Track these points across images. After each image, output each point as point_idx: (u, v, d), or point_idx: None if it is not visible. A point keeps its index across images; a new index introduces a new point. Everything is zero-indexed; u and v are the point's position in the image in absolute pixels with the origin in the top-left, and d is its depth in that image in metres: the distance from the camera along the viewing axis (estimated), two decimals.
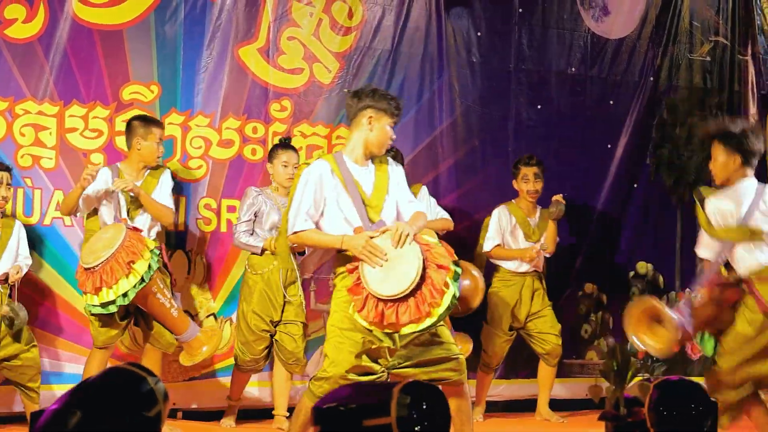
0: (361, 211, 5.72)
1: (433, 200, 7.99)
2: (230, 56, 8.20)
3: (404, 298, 5.38)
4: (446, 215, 7.95)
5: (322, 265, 8.40)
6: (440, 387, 5.81)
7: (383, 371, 5.64)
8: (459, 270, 5.55)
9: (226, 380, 8.04)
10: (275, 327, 7.71)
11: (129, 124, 7.49)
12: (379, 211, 5.75)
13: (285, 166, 7.73)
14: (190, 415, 8.03)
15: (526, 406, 8.78)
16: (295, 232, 5.74)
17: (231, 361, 7.92)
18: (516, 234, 8.50)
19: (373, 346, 5.58)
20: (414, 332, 5.47)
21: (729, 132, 6.53)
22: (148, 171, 7.47)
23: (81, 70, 7.87)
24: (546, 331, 8.47)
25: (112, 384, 3.38)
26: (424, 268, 5.39)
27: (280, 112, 8.35)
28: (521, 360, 8.91)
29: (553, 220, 8.42)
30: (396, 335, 5.58)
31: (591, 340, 9.23)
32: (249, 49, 8.27)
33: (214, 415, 8.03)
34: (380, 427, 3.72)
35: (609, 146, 9.49)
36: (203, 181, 8.15)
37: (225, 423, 7.84)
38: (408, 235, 5.49)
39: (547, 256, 8.49)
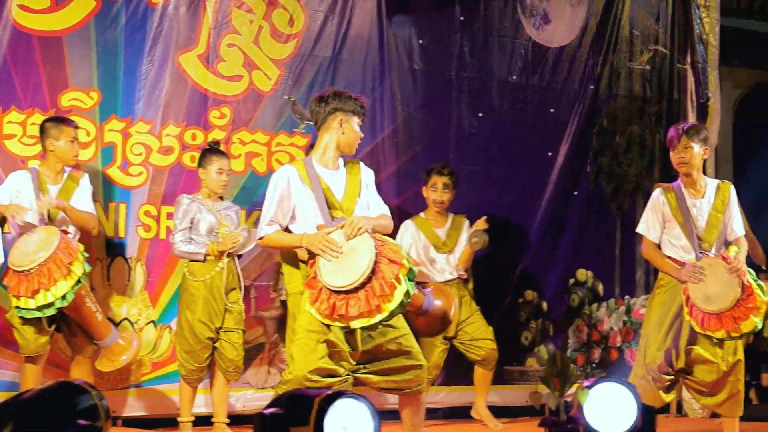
0: (325, 213, 5.76)
1: None
2: (171, 63, 8.18)
3: (355, 291, 5.40)
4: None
5: (262, 272, 8.40)
6: (399, 395, 5.90)
7: (347, 374, 5.66)
8: (415, 269, 5.57)
9: (166, 387, 8.02)
10: (217, 334, 7.69)
11: (41, 126, 7.41)
12: (350, 214, 5.79)
13: (220, 172, 7.70)
14: (130, 423, 7.99)
15: (467, 413, 8.80)
16: (261, 237, 5.84)
17: (172, 368, 7.89)
18: (427, 247, 8.45)
19: (335, 349, 5.59)
20: (364, 327, 5.48)
21: (700, 126, 7.10)
22: (68, 173, 7.41)
23: (20, 76, 7.82)
24: (479, 337, 8.42)
25: (55, 397, 3.38)
26: (376, 262, 5.42)
27: (220, 119, 8.33)
28: (462, 368, 8.94)
29: (475, 251, 8.36)
30: (357, 340, 5.62)
31: (531, 347, 9.28)
32: (189, 56, 8.26)
33: (154, 423, 8.00)
34: None
35: (550, 154, 9.54)
36: (143, 188, 8.11)
37: None
38: (361, 228, 5.54)
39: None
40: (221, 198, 7.81)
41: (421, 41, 9.09)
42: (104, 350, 7.34)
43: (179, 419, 7.76)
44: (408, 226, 8.46)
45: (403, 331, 5.81)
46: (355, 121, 5.89)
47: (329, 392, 4.33)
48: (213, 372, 7.77)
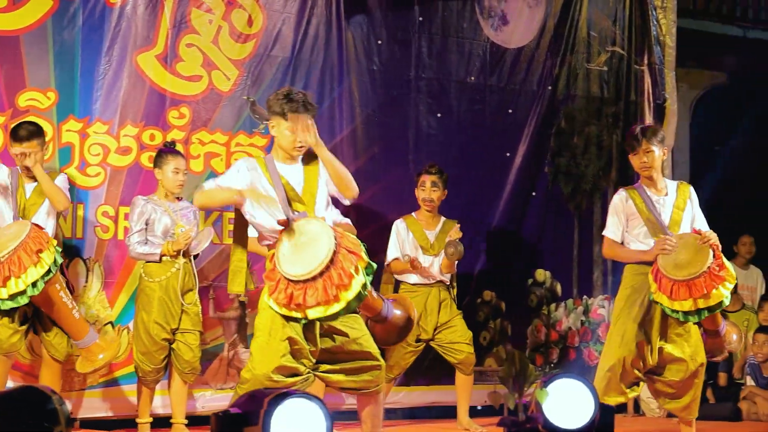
0: (286, 207, 5.77)
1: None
2: (129, 63, 8.15)
3: (313, 280, 5.41)
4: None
5: (221, 273, 8.38)
6: (358, 395, 5.92)
7: (308, 372, 5.68)
8: (373, 264, 5.60)
9: (124, 388, 8.00)
10: (173, 335, 7.67)
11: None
12: (311, 207, 5.83)
13: (176, 172, 7.67)
14: (88, 424, 7.96)
15: (425, 413, 8.83)
16: (201, 190, 5.92)
17: (130, 369, 7.86)
18: (416, 248, 8.42)
19: (296, 347, 5.61)
20: (322, 318, 5.49)
21: (657, 128, 7.17)
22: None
23: None
24: (456, 341, 8.36)
25: (16, 402, 3.38)
26: (335, 252, 5.43)
27: (179, 119, 8.31)
28: (421, 368, 8.96)
29: (452, 262, 8.31)
30: (316, 337, 5.65)
31: (489, 347, 9.30)
32: (147, 56, 8.23)
33: (113, 424, 7.98)
34: None
35: (508, 155, 9.58)
36: (101, 189, 8.08)
37: None
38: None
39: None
40: (179, 198, 7.78)
41: (379, 42, 9.10)
42: (83, 351, 7.32)
43: (138, 420, 7.73)
44: (398, 225, 8.46)
45: (362, 332, 5.85)
46: (284, 125, 5.87)
47: (278, 392, 4.35)
48: (170, 373, 7.75)
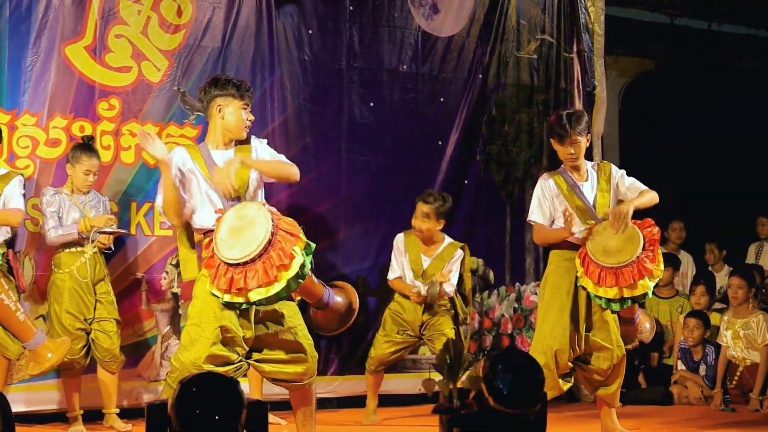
0: (222, 197, 5.77)
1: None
2: (57, 54, 8.07)
3: (252, 262, 5.43)
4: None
5: (153, 265, 8.34)
6: (290, 387, 5.92)
7: (240, 360, 5.67)
8: (312, 245, 5.61)
9: (55, 382, 7.93)
10: (90, 325, 7.65)
11: None
12: (243, 193, 5.82)
13: (87, 174, 7.69)
14: (16, 419, 7.86)
15: (360, 402, 8.85)
16: (160, 207, 5.85)
17: None
18: (409, 270, 8.42)
19: (228, 335, 5.60)
20: (263, 298, 5.48)
21: (581, 115, 7.01)
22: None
23: None
24: (442, 329, 8.30)
25: None
26: (273, 234, 5.45)
27: (108, 110, 8.24)
28: (355, 357, 8.99)
29: (429, 302, 8.27)
30: (251, 323, 5.65)
31: None
32: (76, 47, 8.15)
33: (43, 418, 7.95)
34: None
35: (440, 143, 9.59)
36: (30, 181, 8.00)
37: (73, 430, 7.68)
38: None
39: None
40: (87, 192, 7.81)
41: (310, 31, 9.07)
42: (31, 353, 7.26)
43: (68, 414, 7.74)
44: (397, 241, 8.47)
45: (298, 322, 5.85)
46: (236, 105, 5.91)
47: (192, 375, 4.36)
48: (98, 365, 7.77)
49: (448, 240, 8.46)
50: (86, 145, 7.77)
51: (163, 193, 5.81)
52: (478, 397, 4.64)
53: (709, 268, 11.05)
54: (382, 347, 8.39)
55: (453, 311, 8.38)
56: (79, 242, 7.63)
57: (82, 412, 7.74)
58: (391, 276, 8.47)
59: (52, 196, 7.65)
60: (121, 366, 7.80)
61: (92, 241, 7.62)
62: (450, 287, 8.25)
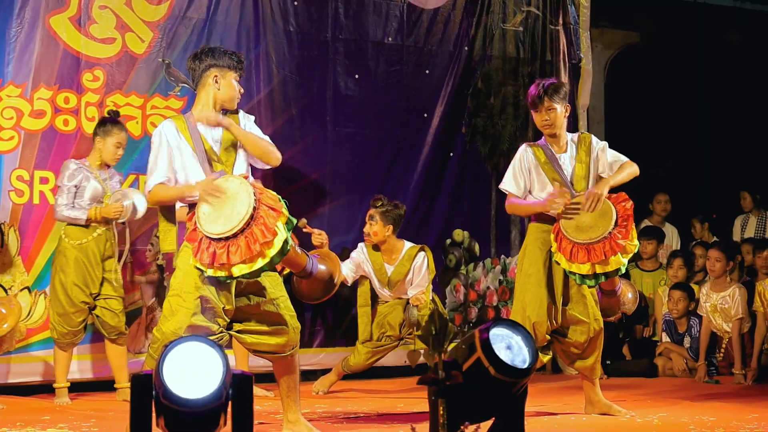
0: (206, 167, 5.77)
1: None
2: (41, 25, 8.04)
3: (234, 237, 5.42)
4: None
5: (139, 236, 8.33)
6: (273, 359, 5.93)
7: (221, 331, 5.66)
8: (293, 220, 5.61)
9: (40, 353, 7.95)
10: (95, 300, 7.66)
11: None
12: (230, 166, 5.82)
13: (118, 146, 7.75)
14: (4, 390, 7.88)
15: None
16: (149, 191, 5.81)
17: (47, 334, 7.82)
18: (373, 281, 8.42)
19: (208, 305, 5.61)
20: (246, 273, 5.48)
21: (560, 84, 6.95)
22: None
23: None
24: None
25: None
26: (255, 208, 5.44)
27: (93, 82, 8.22)
28: (340, 330, 9.00)
29: (410, 326, 8.29)
30: (231, 295, 5.66)
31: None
32: (60, 18, 8.12)
33: (30, 390, 7.96)
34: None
35: (425, 115, 9.59)
36: (15, 153, 8.00)
37: (59, 401, 7.68)
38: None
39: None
40: (108, 166, 7.83)
41: (296, 3, 9.05)
42: None
43: (54, 385, 7.73)
44: (360, 252, 8.43)
45: (280, 293, 5.86)
46: (231, 76, 5.90)
47: (175, 340, 4.38)
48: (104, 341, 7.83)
49: (407, 245, 8.44)
50: (115, 119, 7.79)
51: (167, 192, 5.80)
52: (476, 367, 4.66)
53: (700, 240, 11.07)
54: (363, 356, 8.35)
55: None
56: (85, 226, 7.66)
57: (69, 384, 7.76)
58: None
59: (75, 170, 7.66)
60: (126, 339, 7.84)
61: (122, 261, 7.79)
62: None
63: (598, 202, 6.60)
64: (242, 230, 5.42)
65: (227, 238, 5.43)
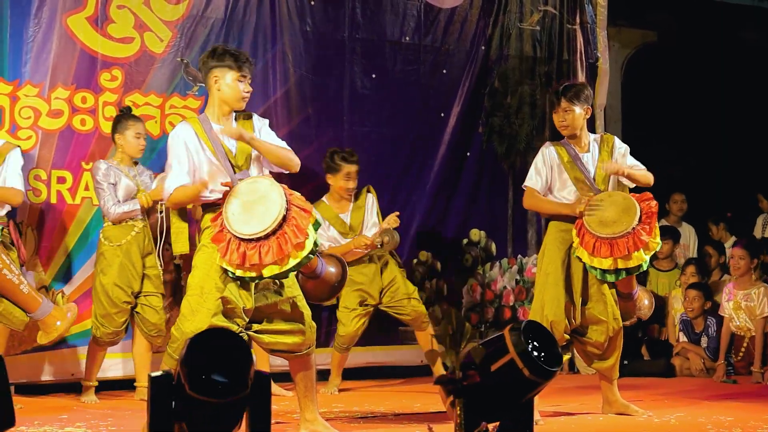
0: (228, 169, 5.81)
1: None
2: (58, 25, 8.05)
3: (266, 238, 5.44)
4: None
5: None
6: (289, 358, 5.94)
7: (240, 332, 5.68)
8: (320, 221, 5.69)
9: (56, 352, 7.97)
10: (135, 299, 7.73)
11: None
12: (246, 167, 5.87)
13: (138, 137, 7.77)
14: (20, 389, 7.89)
15: (358, 374, 8.90)
16: (169, 194, 5.85)
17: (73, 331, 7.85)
18: (335, 237, 8.47)
19: (229, 306, 5.64)
20: (276, 274, 5.52)
21: (580, 87, 7.04)
22: None
23: None
24: (400, 298, 8.51)
25: None
26: (287, 209, 5.45)
27: (111, 81, 8.22)
28: None
29: (387, 251, 8.43)
30: (251, 295, 5.70)
31: (426, 306, 9.32)
32: (77, 18, 8.12)
33: (43, 389, 7.99)
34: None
35: (442, 115, 9.59)
36: (33, 152, 8.00)
37: (86, 399, 7.73)
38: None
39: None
40: (135, 163, 7.88)
41: (312, 2, 9.04)
42: (39, 323, 7.27)
43: (84, 382, 7.81)
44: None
45: (296, 292, 5.88)
46: (233, 76, 5.91)
47: (201, 332, 4.41)
48: (134, 337, 7.86)
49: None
50: (128, 114, 7.86)
51: (181, 194, 5.82)
52: (508, 367, 4.66)
53: (718, 240, 11.04)
54: (351, 324, 8.42)
55: (401, 267, 8.63)
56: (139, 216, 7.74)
57: (97, 383, 7.82)
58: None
59: (107, 169, 7.69)
60: (166, 340, 7.85)
61: (153, 215, 7.85)
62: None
63: (620, 170, 6.73)
64: (274, 231, 5.43)
65: (258, 239, 5.44)
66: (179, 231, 6.02)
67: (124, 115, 7.85)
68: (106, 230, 7.71)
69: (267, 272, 5.49)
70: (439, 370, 8.34)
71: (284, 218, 5.44)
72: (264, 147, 5.89)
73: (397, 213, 8.45)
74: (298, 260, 5.49)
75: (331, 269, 6.15)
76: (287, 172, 6.04)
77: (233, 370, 4.35)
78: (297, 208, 5.50)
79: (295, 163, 5.97)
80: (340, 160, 8.45)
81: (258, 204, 5.52)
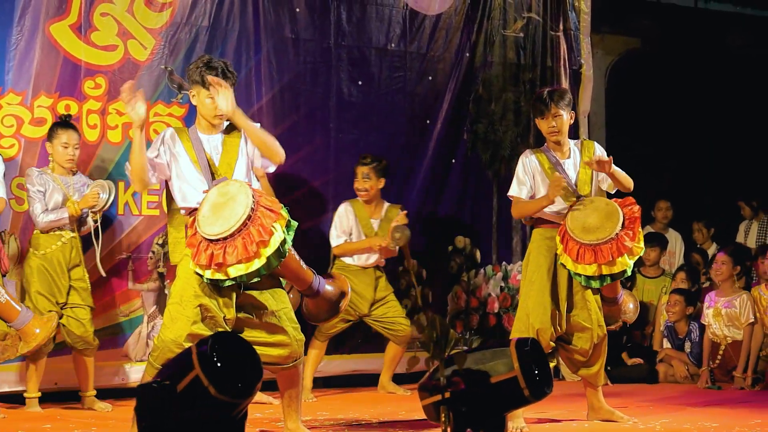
0: (207, 177, 5.84)
1: None
2: (41, 33, 8.01)
3: (231, 238, 5.47)
4: None
5: (140, 244, 8.32)
6: (276, 370, 5.93)
7: None
8: (294, 222, 5.67)
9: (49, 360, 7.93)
10: (62, 309, 7.62)
11: None
12: (229, 177, 5.87)
13: (65, 147, 7.65)
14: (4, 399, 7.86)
15: (344, 382, 8.89)
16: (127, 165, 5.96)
17: None
18: (360, 234, 8.60)
19: (209, 314, 5.66)
20: (243, 274, 5.53)
21: (565, 91, 7.06)
22: None
23: None
24: (396, 316, 8.67)
25: None
26: (253, 209, 5.50)
27: (95, 89, 8.20)
28: (342, 338, 8.98)
29: (399, 246, 8.50)
30: (232, 305, 5.72)
31: (411, 314, 9.31)
32: (61, 26, 8.09)
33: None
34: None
35: (428, 122, 9.60)
36: (15, 161, 7.96)
37: (31, 410, 7.64)
38: None
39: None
40: (73, 173, 7.79)
41: (297, 9, 9.03)
42: (19, 332, 7.24)
43: (26, 395, 7.71)
44: (341, 209, 8.64)
45: (283, 305, 5.88)
46: (204, 93, 5.95)
47: (219, 335, 4.41)
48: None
49: (386, 203, 8.76)
50: (63, 122, 7.75)
51: (130, 157, 5.87)
52: (509, 384, 4.69)
53: (699, 247, 11.06)
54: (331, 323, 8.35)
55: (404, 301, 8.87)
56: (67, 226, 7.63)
57: (40, 394, 7.70)
58: (336, 243, 8.60)
59: (38, 176, 7.62)
60: (95, 350, 7.76)
61: (85, 225, 7.71)
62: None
63: (608, 165, 6.72)
64: (239, 230, 5.48)
65: (225, 239, 5.48)
66: (176, 241, 6.02)
67: (58, 123, 7.75)
68: (33, 238, 7.64)
69: (234, 272, 5.52)
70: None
71: (249, 218, 5.47)
72: (247, 126, 5.93)
73: (405, 211, 8.61)
74: (264, 260, 5.50)
75: (329, 288, 6.15)
76: (272, 165, 6.03)
77: (250, 369, 4.39)
78: (264, 208, 5.55)
79: (279, 152, 5.99)
80: (357, 164, 8.63)
81: (226, 205, 5.58)
